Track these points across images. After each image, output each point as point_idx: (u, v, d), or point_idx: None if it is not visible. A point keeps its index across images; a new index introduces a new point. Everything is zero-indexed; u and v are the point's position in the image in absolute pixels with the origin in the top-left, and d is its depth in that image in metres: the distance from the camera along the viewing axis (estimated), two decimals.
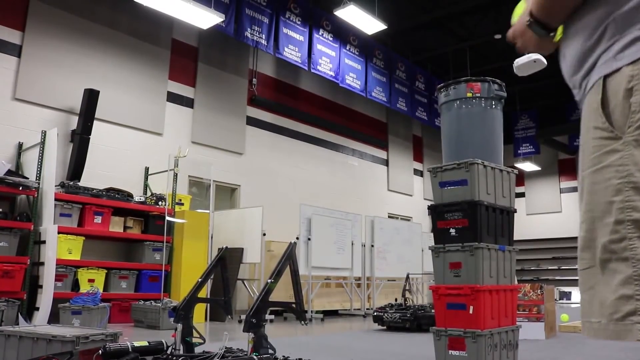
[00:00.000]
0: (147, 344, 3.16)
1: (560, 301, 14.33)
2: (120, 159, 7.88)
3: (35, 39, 7.16)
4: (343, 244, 9.22)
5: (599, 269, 0.91)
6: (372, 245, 9.95)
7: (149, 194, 7.93)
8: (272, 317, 8.07)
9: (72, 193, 6.66)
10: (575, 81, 1.02)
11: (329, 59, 9.95)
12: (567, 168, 16.32)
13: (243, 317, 5.23)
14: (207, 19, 7.54)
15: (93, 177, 7.34)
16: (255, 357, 2.99)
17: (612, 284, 0.88)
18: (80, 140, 7.07)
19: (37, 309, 5.91)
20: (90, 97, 7.12)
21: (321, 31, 9.89)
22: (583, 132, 0.97)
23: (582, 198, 0.98)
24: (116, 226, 7.11)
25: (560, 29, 1.10)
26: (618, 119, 0.88)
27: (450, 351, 3.52)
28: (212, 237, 7.86)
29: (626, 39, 0.88)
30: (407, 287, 8.02)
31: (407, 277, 8.32)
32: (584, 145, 0.97)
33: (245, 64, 9.95)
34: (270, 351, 3.13)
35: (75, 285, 6.47)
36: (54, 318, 5.76)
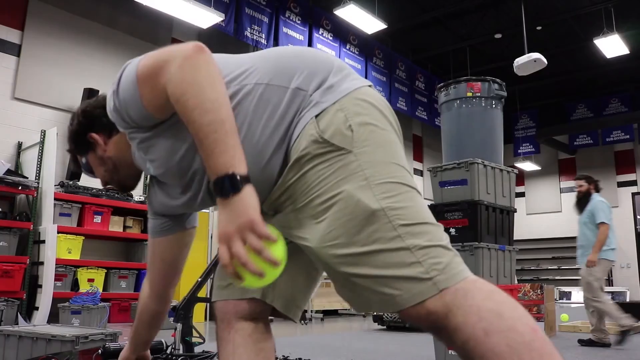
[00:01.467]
0: None
1: (560, 301, 14.33)
2: None
3: (35, 38, 7.15)
4: None
5: (370, 258, 1.03)
6: None
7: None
8: (272, 317, 8.06)
9: (72, 192, 6.66)
10: (272, 137, 1.13)
11: None
12: (567, 168, 16.32)
13: None
14: (207, 18, 7.53)
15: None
16: None
17: (392, 262, 1.02)
18: None
19: (37, 308, 5.91)
20: (90, 97, 7.08)
21: (321, 30, 9.89)
22: (304, 162, 1.09)
23: (323, 211, 1.10)
24: (116, 226, 7.10)
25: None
26: (342, 139, 1.08)
27: (450, 351, 3.51)
28: (211, 237, 7.85)
29: (321, 90, 1.14)
30: None
31: None
32: (312, 171, 1.09)
33: None
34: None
35: (75, 285, 6.47)
36: (53, 318, 5.76)
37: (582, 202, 5.38)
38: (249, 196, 0.99)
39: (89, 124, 1.45)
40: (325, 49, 9.90)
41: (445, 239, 1.05)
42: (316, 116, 1.11)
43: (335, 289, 1.12)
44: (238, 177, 0.99)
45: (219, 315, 1.30)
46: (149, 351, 1.94)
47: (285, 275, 1.14)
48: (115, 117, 1.25)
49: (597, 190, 5.41)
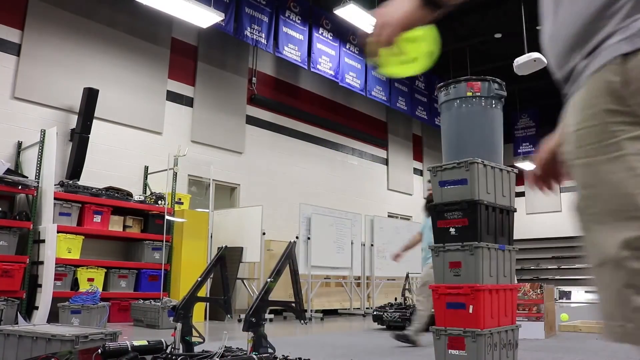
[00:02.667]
0: (147, 343, 3.16)
1: (560, 300, 14.34)
2: (119, 158, 7.87)
3: (35, 37, 7.15)
4: (343, 244, 9.22)
5: (614, 267, 0.81)
6: (372, 245, 9.95)
7: (148, 193, 7.92)
8: (272, 316, 8.07)
9: (72, 192, 6.65)
10: (571, 60, 0.91)
11: (328, 57, 9.94)
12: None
13: (242, 316, 5.23)
14: (207, 17, 7.53)
15: (92, 176, 7.33)
16: (254, 356, 2.98)
17: (634, 285, 0.79)
18: (79, 139, 7.06)
19: (37, 308, 5.91)
20: (90, 96, 7.12)
21: (321, 30, 9.89)
22: (585, 115, 0.87)
23: (582, 187, 0.88)
24: (115, 225, 7.10)
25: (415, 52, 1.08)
26: None
27: (449, 350, 3.52)
28: (211, 236, 7.85)
29: None
30: (406, 287, 8.02)
31: (407, 277, 8.31)
32: (586, 129, 0.86)
33: (245, 63, 9.94)
34: (270, 350, 3.12)
35: (75, 285, 6.47)
36: (53, 317, 5.75)
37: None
38: (418, 13, 1.05)
39: None
40: (325, 48, 9.90)
41: None
42: (624, 55, 0.82)
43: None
44: None
45: None
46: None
47: None
48: None
49: None
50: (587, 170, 0.86)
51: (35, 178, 6.43)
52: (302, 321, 3.46)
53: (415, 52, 1.03)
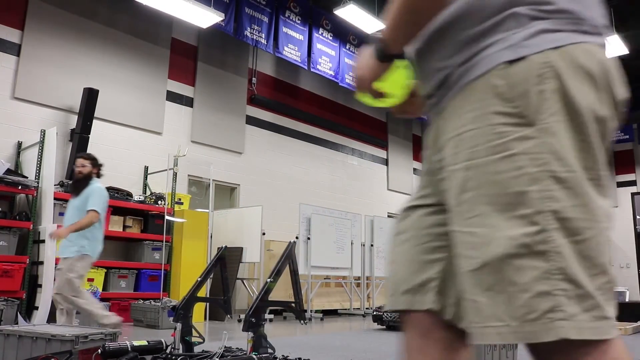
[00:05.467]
0: (147, 343, 3.16)
1: None
2: (119, 158, 7.87)
3: (35, 37, 7.15)
4: (343, 244, 9.22)
5: (498, 267, 0.82)
6: (372, 245, 9.95)
7: (148, 193, 7.92)
8: (272, 316, 8.06)
9: None
10: (449, 63, 0.95)
11: (328, 58, 9.94)
12: None
13: (242, 316, 5.23)
14: (207, 18, 7.53)
15: None
16: (254, 356, 2.98)
17: (521, 281, 0.80)
18: (79, 139, 7.06)
19: (37, 308, 5.91)
20: (90, 96, 7.12)
21: (321, 30, 9.89)
22: (468, 118, 0.89)
23: (464, 189, 0.88)
24: (115, 225, 7.10)
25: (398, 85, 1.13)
26: (529, 105, 0.84)
27: None
28: (211, 237, 7.85)
29: (531, 30, 0.87)
30: None
31: None
32: (471, 132, 0.88)
33: (244, 63, 9.94)
34: (270, 350, 3.12)
35: None
36: (53, 317, 5.75)
37: (81, 184, 4.71)
38: (379, 67, 1.07)
39: None
40: (325, 48, 9.91)
41: (600, 287, 0.82)
42: (509, 62, 0.87)
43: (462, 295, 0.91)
44: (382, 51, 1.05)
45: (414, 323, 1.05)
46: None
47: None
48: None
49: (99, 176, 4.89)
50: (473, 172, 0.87)
51: (35, 178, 6.43)
52: (302, 321, 3.46)
53: (391, 89, 1.16)
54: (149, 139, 8.30)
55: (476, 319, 0.84)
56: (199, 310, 7.19)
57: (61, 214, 6.49)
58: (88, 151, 7.15)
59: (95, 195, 4.62)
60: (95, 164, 4.85)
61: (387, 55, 1.05)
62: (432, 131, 1.03)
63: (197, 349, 3.47)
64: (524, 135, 0.84)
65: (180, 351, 3.39)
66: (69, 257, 4.48)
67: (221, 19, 7.75)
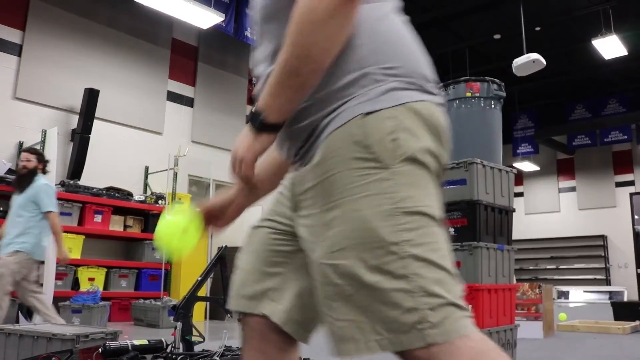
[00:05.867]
0: (147, 343, 3.18)
1: (558, 300, 14.37)
2: (120, 158, 7.89)
3: (36, 38, 7.17)
4: None
5: (370, 291, 0.96)
6: None
7: (148, 192, 7.94)
8: None
9: (73, 192, 6.67)
10: (316, 117, 1.07)
11: None
12: (566, 168, 16.35)
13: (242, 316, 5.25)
14: (207, 18, 7.55)
15: (93, 176, 7.35)
16: None
17: (391, 301, 0.94)
18: (80, 139, 7.08)
19: None
20: (91, 97, 7.14)
21: None
22: (329, 165, 1.02)
23: (329, 227, 1.01)
24: (116, 225, 7.12)
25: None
26: (384, 151, 0.99)
27: None
28: (211, 236, 7.87)
29: (383, 88, 1.02)
30: None
31: None
32: (339, 175, 1.01)
33: (245, 64, 9.95)
34: None
35: (76, 284, 6.49)
36: None
37: (25, 179, 4.45)
38: (259, 143, 1.08)
39: None
40: None
41: (453, 292, 0.97)
42: (366, 114, 1.00)
43: (321, 315, 1.05)
44: (262, 122, 1.05)
45: (249, 323, 1.24)
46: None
47: (304, 297, 1.21)
48: None
49: (45, 172, 4.63)
50: (338, 211, 1.00)
51: None
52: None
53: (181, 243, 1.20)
54: (150, 139, 8.32)
55: (358, 335, 0.97)
56: (199, 310, 7.21)
57: (62, 213, 6.51)
58: (89, 151, 7.18)
59: (43, 194, 4.39)
60: (41, 160, 4.60)
61: (267, 126, 1.05)
62: (298, 176, 1.13)
63: (197, 348, 3.49)
64: (381, 178, 0.98)
65: (181, 350, 3.41)
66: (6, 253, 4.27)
67: (221, 19, 7.76)
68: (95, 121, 7.25)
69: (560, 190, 16.49)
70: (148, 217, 7.43)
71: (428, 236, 0.98)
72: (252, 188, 1.16)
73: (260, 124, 1.05)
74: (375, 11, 1.08)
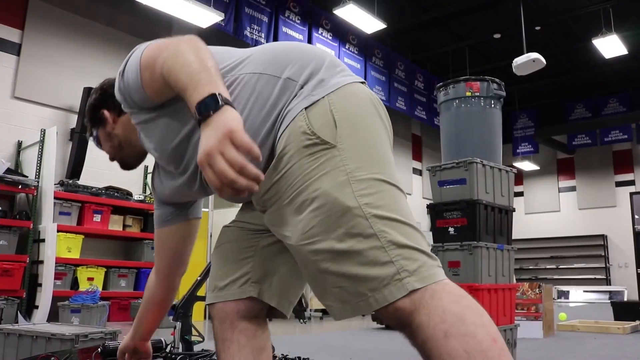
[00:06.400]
0: None
1: (559, 300, 14.37)
2: None
3: (35, 37, 7.16)
4: None
5: (344, 259, 1.03)
6: None
7: (148, 192, 7.93)
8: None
9: (72, 191, 6.67)
10: (266, 130, 1.16)
11: None
12: (566, 167, 16.34)
13: None
14: (207, 17, 7.54)
15: (92, 176, 7.34)
16: None
17: (366, 261, 1.01)
18: (79, 138, 7.07)
19: (37, 307, 5.92)
20: (90, 96, 7.11)
21: (320, 30, 9.90)
22: (286, 159, 1.11)
23: (299, 211, 1.08)
24: (115, 225, 7.11)
25: None
26: (328, 133, 1.09)
27: None
28: (211, 236, 7.87)
29: (312, 83, 1.16)
30: None
31: None
32: (297, 165, 1.09)
33: None
34: None
35: (75, 284, 6.48)
36: (53, 316, 5.77)
37: None
38: (230, 112, 0.99)
39: (102, 100, 1.64)
40: (324, 48, 9.91)
41: (421, 243, 1.05)
42: (306, 108, 1.12)
43: (312, 291, 1.12)
44: (220, 96, 1.00)
45: (219, 316, 1.31)
46: (149, 343, 1.97)
47: (279, 272, 1.31)
48: (120, 97, 1.37)
49: None
50: (304, 195, 1.08)
51: (35, 177, 6.44)
52: (301, 320, 3.47)
53: None
54: None
55: (347, 298, 1.04)
56: (198, 309, 7.21)
57: (61, 213, 6.51)
58: (88, 151, 7.16)
59: None
60: None
61: (229, 100, 1.06)
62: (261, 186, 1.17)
63: (196, 348, 3.48)
64: (331, 155, 1.08)
65: (180, 350, 3.40)
66: None
67: (221, 18, 7.76)
68: None
69: (560, 190, 16.48)
70: (147, 217, 7.42)
71: (385, 198, 1.07)
72: (244, 187, 0.96)
73: (220, 99, 1.00)
74: None
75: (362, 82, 1.22)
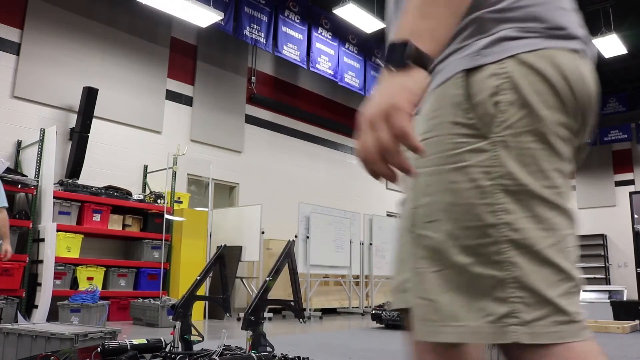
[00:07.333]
0: (146, 342, 3.17)
1: None
2: (119, 157, 7.88)
3: (34, 36, 7.16)
4: (342, 242, 9.24)
5: (459, 272, 0.84)
6: (371, 244, 9.96)
7: (147, 192, 7.93)
8: (271, 315, 8.08)
9: (71, 191, 6.67)
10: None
11: (327, 57, 9.95)
12: None
13: (242, 315, 5.25)
14: (206, 17, 7.54)
15: (92, 175, 7.34)
16: (253, 354, 3.00)
17: (480, 287, 0.82)
18: (79, 138, 7.07)
19: (36, 306, 5.92)
20: (89, 95, 7.12)
21: (320, 30, 9.90)
22: (430, 125, 0.88)
23: (423, 194, 0.88)
24: (115, 224, 7.11)
25: None
26: (483, 117, 0.83)
27: None
28: (210, 235, 7.87)
29: (493, 37, 0.85)
30: None
31: None
32: (431, 139, 0.88)
33: (244, 62, 9.95)
34: (269, 349, 3.14)
35: (74, 283, 6.48)
36: (53, 316, 5.77)
37: None
38: (412, 80, 0.77)
39: None
40: (324, 48, 9.91)
41: (557, 292, 0.81)
42: (467, 70, 0.85)
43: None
44: (410, 50, 0.77)
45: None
46: None
47: None
48: None
49: None
50: (432, 179, 0.87)
51: (35, 177, 6.44)
52: (300, 320, 3.47)
53: None
54: (149, 138, 8.31)
55: (434, 317, 0.86)
56: (198, 309, 7.21)
57: (61, 212, 6.51)
58: (88, 150, 7.17)
59: (2, 188, 4.16)
60: None
61: (417, 56, 0.78)
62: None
63: (196, 348, 3.48)
64: (478, 148, 0.83)
65: (180, 349, 3.40)
66: None
67: (220, 18, 7.76)
68: (94, 120, 7.24)
69: None
70: (147, 217, 7.42)
71: (535, 221, 0.82)
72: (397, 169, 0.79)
73: (408, 54, 0.77)
74: None
75: (573, 50, 0.90)
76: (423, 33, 0.78)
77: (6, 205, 4.21)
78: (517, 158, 0.82)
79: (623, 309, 6.99)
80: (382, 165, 0.77)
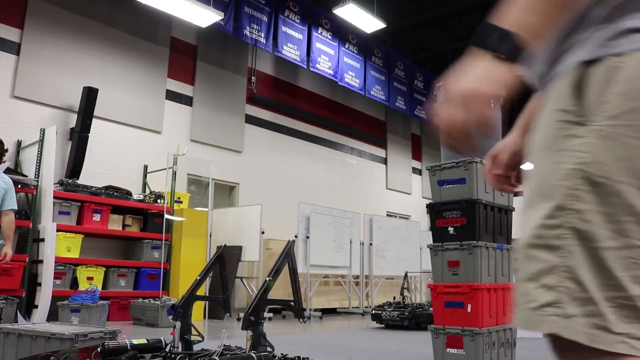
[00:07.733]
0: (146, 342, 3.17)
1: None
2: (119, 157, 7.88)
3: (34, 36, 7.15)
4: (342, 242, 9.24)
5: (521, 252, 0.84)
6: (371, 244, 9.96)
7: (147, 192, 7.93)
8: (271, 315, 8.08)
9: (71, 191, 6.66)
10: (555, 49, 0.92)
11: (327, 57, 9.95)
12: None
13: (241, 315, 5.24)
14: (206, 17, 7.54)
15: (92, 175, 7.34)
16: (253, 354, 3.00)
17: (530, 270, 0.82)
18: (79, 138, 7.07)
19: (36, 306, 5.92)
20: (89, 95, 7.12)
21: (320, 29, 9.89)
22: (549, 109, 0.89)
23: (526, 177, 0.91)
24: (115, 224, 7.11)
25: None
26: (588, 105, 0.82)
27: (448, 349, 3.53)
28: (210, 235, 7.86)
29: (615, 29, 0.83)
30: (405, 286, 8.04)
31: (406, 276, 8.34)
32: (541, 126, 0.89)
33: (244, 62, 9.94)
34: (269, 349, 3.14)
35: (74, 283, 6.48)
36: (52, 316, 5.76)
37: None
38: (510, 73, 0.82)
39: None
40: (324, 48, 9.91)
41: (606, 296, 0.77)
42: (587, 62, 0.84)
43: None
44: (518, 44, 0.81)
45: None
46: None
47: None
48: None
49: (1, 161, 4.28)
50: (532, 161, 0.90)
51: (35, 177, 6.44)
52: (300, 320, 3.47)
53: None
54: (149, 138, 8.31)
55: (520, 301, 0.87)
56: (198, 309, 7.21)
57: (61, 212, 6.50)
58: (88, 150, 7.16)
59: (13, 191, 4.18)
60: (1, 148, 4.24)
61: (519, 50, 0.81)
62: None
63: (196, 348, 3.48)
64: (574, 134, 0.82)
65: (180, 349, 3.40)
66: None
67: (220, 18, 7.76)
68: (94, 120, 7.24)
69: None
70: (147, 216, 7.42)
71: (607, 220, 0.78)
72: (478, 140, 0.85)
73: (512, 48, 0.80)
74: None
75: None
76: (529, 29, 0.81)
77: (15, 207, 4.24)
78: (612, 150, 0.79)
79: None
80: (466, 142, 0.84)
